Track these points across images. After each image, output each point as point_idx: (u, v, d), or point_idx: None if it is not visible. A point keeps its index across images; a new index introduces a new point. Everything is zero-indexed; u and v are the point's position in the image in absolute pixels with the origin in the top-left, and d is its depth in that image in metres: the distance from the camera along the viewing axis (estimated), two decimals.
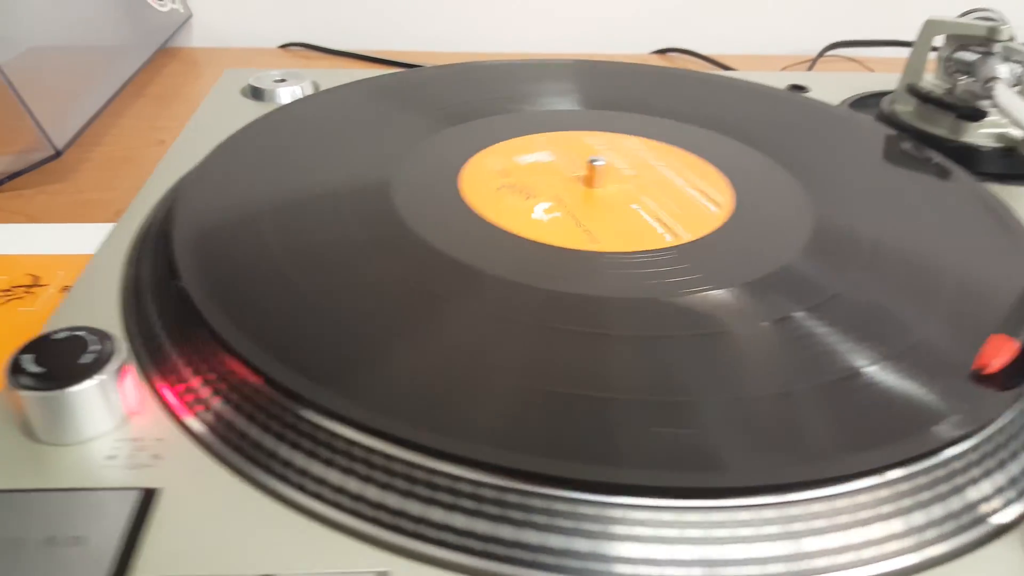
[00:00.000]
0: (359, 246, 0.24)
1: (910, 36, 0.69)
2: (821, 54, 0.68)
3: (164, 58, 0.65)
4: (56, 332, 0.19)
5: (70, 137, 0.46)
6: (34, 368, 0.18)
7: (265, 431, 0.18)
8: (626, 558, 0.17)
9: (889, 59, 0.70)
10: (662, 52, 0.71)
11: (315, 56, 0.68)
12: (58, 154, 0.44)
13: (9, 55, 0.44)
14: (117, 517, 0.16)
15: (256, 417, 0.18)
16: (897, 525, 0.18)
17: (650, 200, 0.30)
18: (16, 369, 0.18)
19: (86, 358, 0.18)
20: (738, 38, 0.72)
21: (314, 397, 0.18)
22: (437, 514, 0.17)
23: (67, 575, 0.15)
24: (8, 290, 0.36)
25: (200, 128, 0.34)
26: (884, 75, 0.50)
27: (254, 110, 0.36)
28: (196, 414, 0.19)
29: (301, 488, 0.17)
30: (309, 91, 0.37)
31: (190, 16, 0.69)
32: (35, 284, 0.37)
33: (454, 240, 0.25)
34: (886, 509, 0.18)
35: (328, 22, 0.70)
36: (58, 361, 0.18)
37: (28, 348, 0.18)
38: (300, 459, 0.18)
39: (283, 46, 0.70)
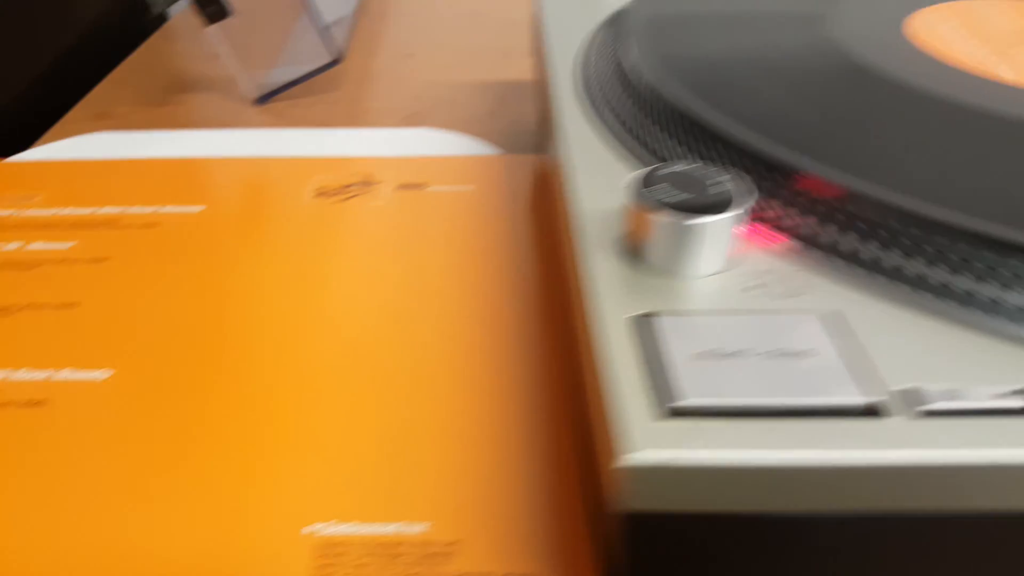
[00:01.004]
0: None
1: None
2: None
3: None
4: (667, 165, 0.17)
5: (340, 46, 0.46)
6: (675, 195, 0.16)
7: (911, 256, 0.16)
8: None
9: None
10: None
11: None
12: (336, 61, 0.43)
13: None
14: (823, 334, 0.15)
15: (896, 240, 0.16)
16: None
17: None
18: (648, 197, 0.16)
19: (713, 190, 0.17)
20: None
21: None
22: None
23: (817, 382, 0.14)
24: (346, 186, 0.36)
25: (557, 10, 0.33)
26: None
27: None
28: (814, 244, 0.17)
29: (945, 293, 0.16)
30: None
31: None
32: (368, 182, 0.36)
33: (929, 76, 0.23)
34: None
35: None
36: (691, 190, 0.16)
37: (648, 179, 0.17)
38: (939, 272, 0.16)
39: None
